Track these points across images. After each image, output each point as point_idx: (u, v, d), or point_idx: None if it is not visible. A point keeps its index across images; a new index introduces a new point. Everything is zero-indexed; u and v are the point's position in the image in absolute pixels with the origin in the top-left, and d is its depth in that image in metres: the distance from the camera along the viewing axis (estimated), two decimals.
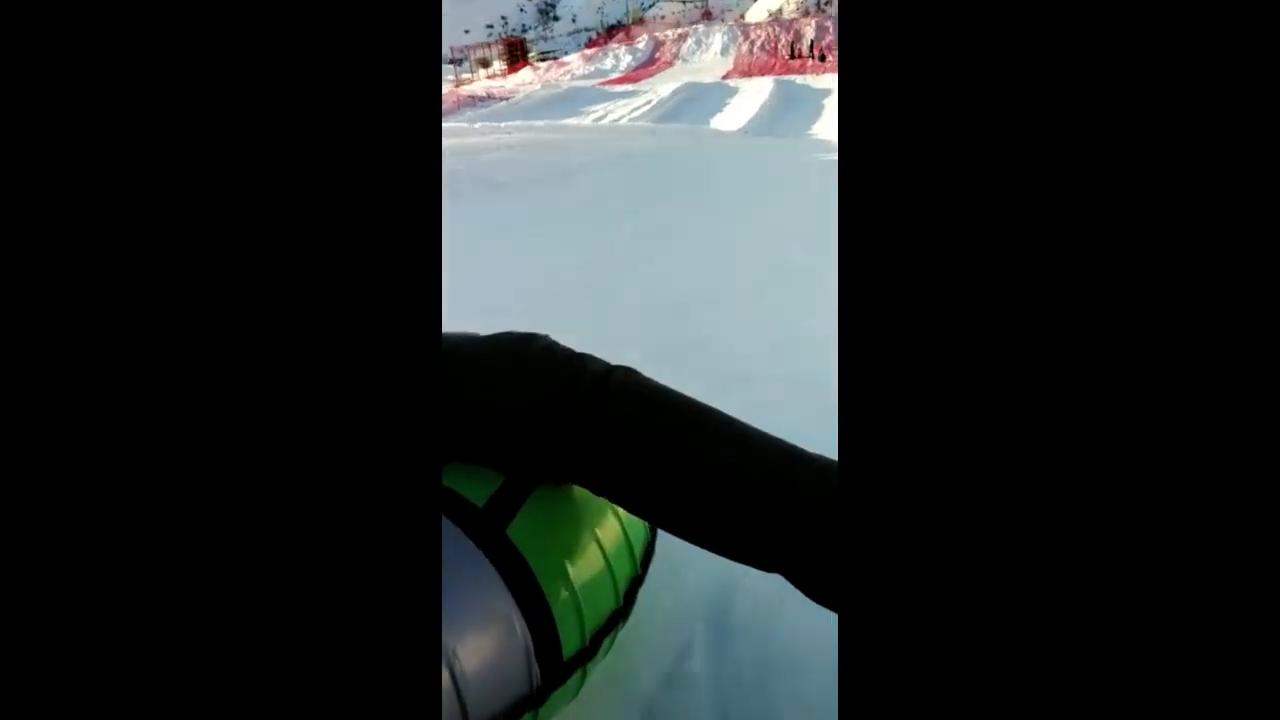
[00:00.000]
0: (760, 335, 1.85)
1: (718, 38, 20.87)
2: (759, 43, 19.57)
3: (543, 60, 24.98)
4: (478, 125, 9.54)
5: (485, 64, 27.00)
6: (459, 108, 15.57)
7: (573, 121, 13.40)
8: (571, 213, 3.48)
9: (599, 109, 14.88)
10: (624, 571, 0.73)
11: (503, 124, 9.73)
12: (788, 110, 13.85)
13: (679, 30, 21.98)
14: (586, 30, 34.90)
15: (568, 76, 21.16)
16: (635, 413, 0.57)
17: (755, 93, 15.03)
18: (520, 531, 0.61)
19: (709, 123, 12.66)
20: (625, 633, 0.75)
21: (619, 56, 22.00)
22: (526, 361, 0.63)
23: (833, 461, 0.54)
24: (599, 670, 0.73)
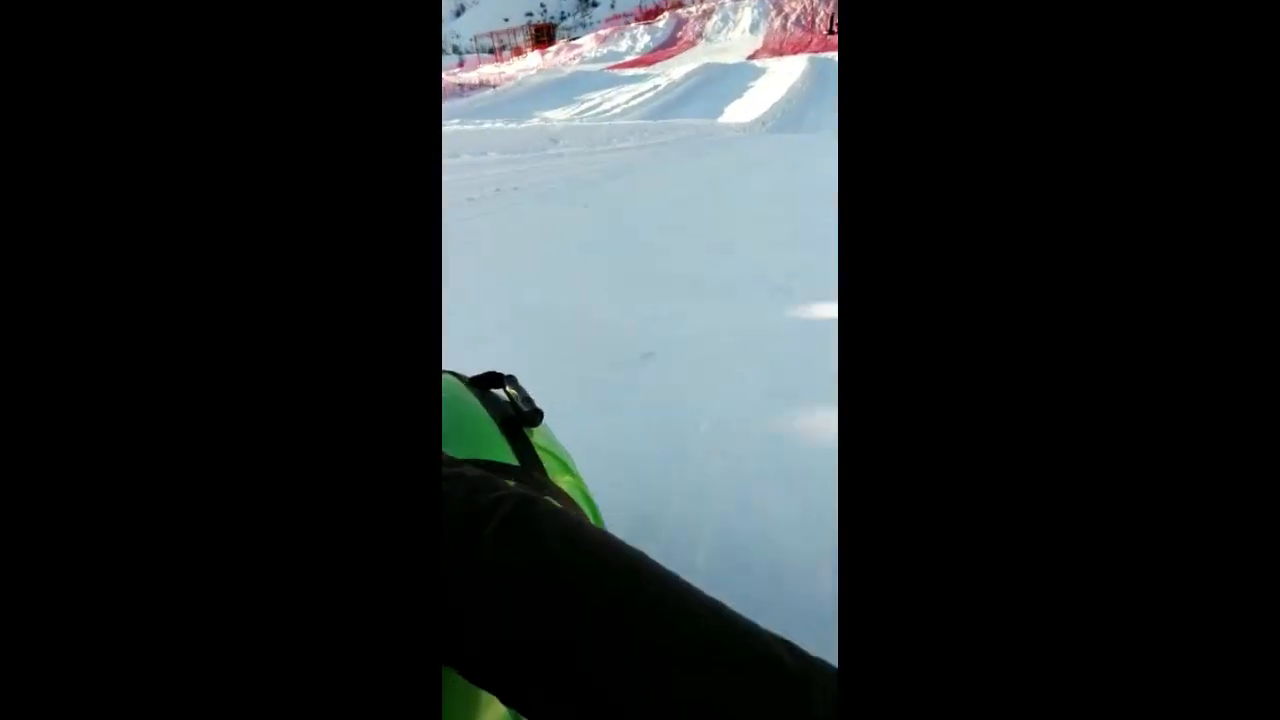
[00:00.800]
0: None
1: (747, 13, 18.41)
2: (793, 17, 17.07)
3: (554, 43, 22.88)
4: None
5: (520, 51, 25.35)
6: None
7: (558, 113, 11.18)
8: None
9: (596, 96, 12.63)
10: None
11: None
12: (822, 93, 11.40)
13: (704, 6, 19.53)
14: (625, 16, 32.72)
15: (577, 60, 18.92)
16: (522, 577, 0.38)
17: (785, 74, 12.64)
18: None
19: (722, 113, 10.28)
20: None
21: (636, 37, 19.67)
22: None
23: (826, 666, 0.37)
24: None
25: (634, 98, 12.01)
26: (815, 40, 15.66)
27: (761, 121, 8.66)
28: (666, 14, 20.45)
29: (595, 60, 18.56)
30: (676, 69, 14.15)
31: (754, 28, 18.07)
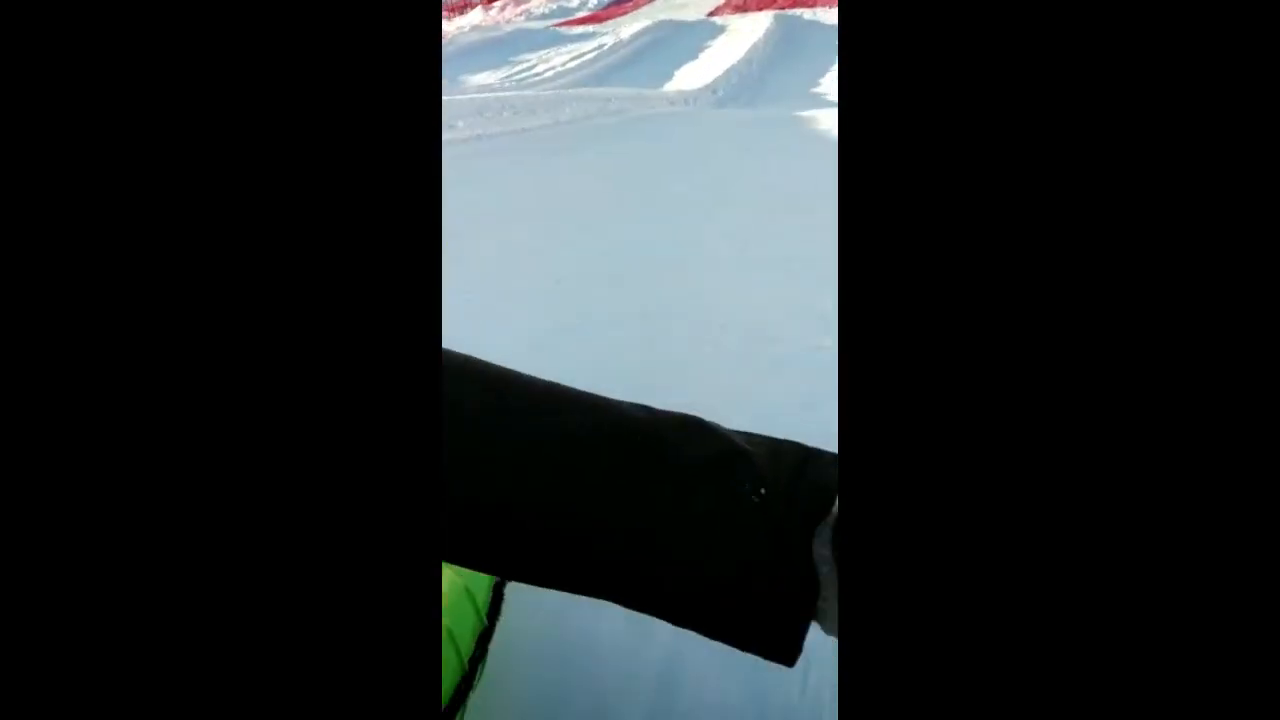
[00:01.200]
0: None
1: None
2: None
3: None
4: None
5: (488, 4, 23.28)
6: None
7: (484, 77, 9.65)
8: None
9: (533, 58, 11.08)
10: (463, 628, 0.61)
11: None
12: (788, 56, 9.97)
13: None
14: None
15: (523, 15, 17.19)
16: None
17: (747, 32, 11.17)
18: None
19: (670, 77, 8.85)
20: None
21: None
22: None
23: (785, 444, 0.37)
24: None
25: (574, 59, 10.48)
26: None
27: (711, 89, 7.27)
28: None
29: (543, 16, 16.86)
30: (627, 26, 12.57)
31: None
